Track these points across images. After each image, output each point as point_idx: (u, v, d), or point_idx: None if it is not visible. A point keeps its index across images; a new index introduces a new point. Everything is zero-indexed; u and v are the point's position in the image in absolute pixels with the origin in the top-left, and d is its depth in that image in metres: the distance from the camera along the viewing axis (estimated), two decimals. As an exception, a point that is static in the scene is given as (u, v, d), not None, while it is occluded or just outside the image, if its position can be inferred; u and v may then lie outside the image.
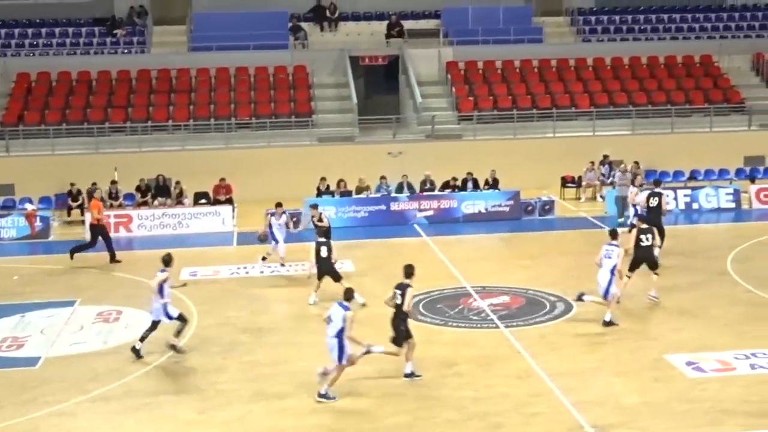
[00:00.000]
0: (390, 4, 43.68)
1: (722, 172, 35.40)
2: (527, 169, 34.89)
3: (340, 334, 15.45)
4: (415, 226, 30.21)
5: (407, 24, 42.42)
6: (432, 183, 32.44)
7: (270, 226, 25.00)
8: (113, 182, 32.33)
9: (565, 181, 35.02)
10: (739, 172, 35.61)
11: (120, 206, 31.72)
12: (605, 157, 35.30)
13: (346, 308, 15.56)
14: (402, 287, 16.50)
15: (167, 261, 18.16)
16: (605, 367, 16.89)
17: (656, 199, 24.51)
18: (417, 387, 16.14)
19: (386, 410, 15.16)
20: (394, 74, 41.48)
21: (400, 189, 32.14)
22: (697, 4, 45.14)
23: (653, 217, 23.50)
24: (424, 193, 31.80)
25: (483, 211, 31.25)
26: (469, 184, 32.47)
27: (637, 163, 33.63)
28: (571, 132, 37.66)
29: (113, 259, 26.28)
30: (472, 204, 31.33)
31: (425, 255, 26.01)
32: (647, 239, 20.52)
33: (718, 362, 16.95)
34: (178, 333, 18.02)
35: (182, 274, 24.32)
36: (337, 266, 22.00)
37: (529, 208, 31.52)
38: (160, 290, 17.71)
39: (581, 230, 29.60)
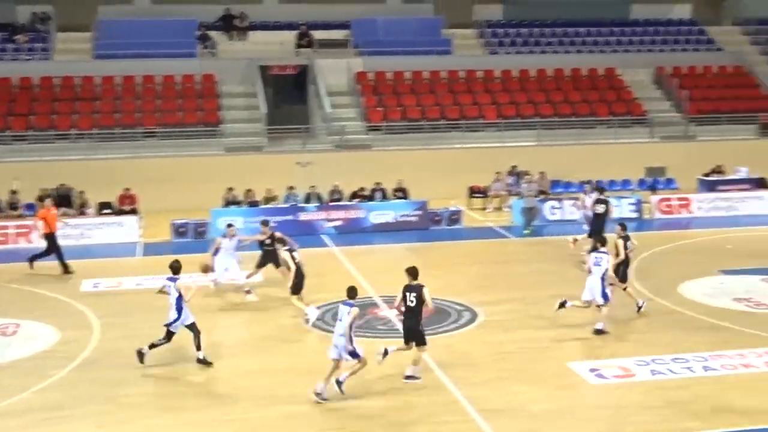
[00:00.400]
0: (299, 14, 43.62)
1: (625, 183, 36.16)
2: (435, 179, 35.12)
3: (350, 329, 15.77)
4: (323, 236, 30.14)
5: (317, 34, 42.39)
6: (340, 193, 32.43)
7: (217, 251, 22.56)
8: (13, 192, 31.53)
9: (472, 192, 35.35)
10: (641, 183, 36.43)
11: (20, 216, 30.92)
12: (513, 167, 35.74)
13: (351, 305, 15.91)
14: (416, 289, 16.63)
15: (176, 268, 17.76)
16: (512, 376, 17.02)
17: (603, 206, 25.28)
18: (300, 396, 16.03)
19: (292, 424, 15.03)
20: (304, 84, 41.39)
21: (308, 199, 32.04)
22: (601, 18, 46.07)
23: (600, 224, 24.36)
24: (333, 203, 31.76)
25: (391, 221, 31.35)
26: (378, 194, 32.53)
27: (542, 173, 34.20)
28: (479, 143, 38.06)
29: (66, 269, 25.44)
30: (381, 214, 31.41)
31: (333, 265, 25.96)
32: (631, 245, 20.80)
33: (620, 369, 17.23)
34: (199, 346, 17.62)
35: (84, 286, 23.81)
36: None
37: (437, 218, 31.72)
38: (179, 298, 17.33)
39: (488, 240, 29.90)
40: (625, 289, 20.80)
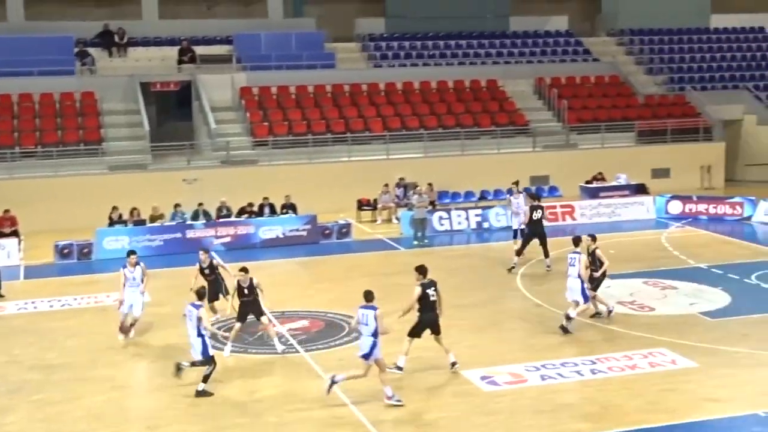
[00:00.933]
0: (181, 30, 43.13)
1: (510, 192, 36.64)
2: (324, 193, 35.11)
3: (375, 334, 15.94)
4: (212, 253, 29.69)
5: (199, 49, 41.94)
6: (228, 209, 32.09)
7: (125, 283, 20.39)
8: None
9: (361, 204, 35.46)
10: (525, 191, 37.04)
11: None
12: (401, 179, 36.00)
13: (375, 308, 16.10)
14: (432, 285, 17.53)
15: (201, 294, 17.30)
16: (404, 386, 17.09)
17: (539, 211, 26.06)
18: (217, 415, 15.81)
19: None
20: (187, 100, 40.89)
21: (195, 216, 31.60)
22: (482, 31, 46.87)
23: (537, 228, 25.34)
24: (221, 220, 31.41)
25: (281, 236, 31.19)
26: (266, 210, 32.32)
27: (430, 185, 34.54)
28: (366, 155, 38.21)
29: None
30: (270, 229, 31.22)
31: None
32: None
33: (511, 375, 17.50)
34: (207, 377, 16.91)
35: (-36, 312, 22.97)
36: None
37: (327, 231, 31.70)
38: (199, 326, 16.70)
39: (378, 252, 30.01)
40: (594, 297, 21.04)
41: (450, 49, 45.53)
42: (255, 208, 32.24)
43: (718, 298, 22.95)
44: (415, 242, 30.79)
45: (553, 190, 37.43)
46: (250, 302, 19.18)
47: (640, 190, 36.73)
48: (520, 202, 28.13)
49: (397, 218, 33.96)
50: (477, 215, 33.45)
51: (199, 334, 16.79)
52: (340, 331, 20.61)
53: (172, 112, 41.85)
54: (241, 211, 32.15)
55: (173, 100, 41.90)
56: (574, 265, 20.18)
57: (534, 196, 27.74)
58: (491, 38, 46.70)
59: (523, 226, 27.41)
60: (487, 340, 19.91)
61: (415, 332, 17.77)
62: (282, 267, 28.32)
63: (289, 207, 32.39)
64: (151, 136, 37.03)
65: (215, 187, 33.66)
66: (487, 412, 15.74)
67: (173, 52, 41.81)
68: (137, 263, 20.43)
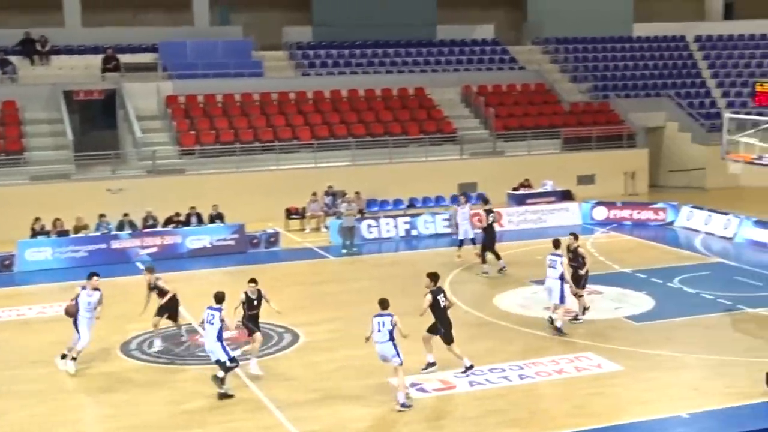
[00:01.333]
0: (105, 38, 42.47)
1: (438, 199, 36.91)
2: (251, 202, 34.83)
3: (392, 336, 16.47)
4: (138, 263, 29.34)
5: (124, 58, 41.37)
6: (155, 219, 31.69)
7: (77, 307, 18.91)
8: None
9: (289, 213, 35.28)
10: (453, 199, 37.20)
11: None
12: (329, 187, 35.92)
13: (390, 315, 16.66)
14: (441, 291, 18.16)
15: (220, 298, 17.33)
16: (333, 395, 17.04)
17: (492, 215, 26.66)
18: (144, 427, 15.57)
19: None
20: (112, 109, 40.28)
21: (121, 227, 31.13)
22: (409, 39, 47.04)
23: (490, 232, 25.86)
24: (147, 230, 31.00)
25: (208, 245, 30.89)
26: (193, 219, 31.99)
27: (358, 193, 34.51)
28: (294, 164, 38.04)
29: None
30: (197, 239, 30.90)
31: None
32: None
33: (440, 382, 17.55)
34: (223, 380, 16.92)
35: None
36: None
37: (255, 240, 31.48)
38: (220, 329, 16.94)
39: (307, 261, 29.89)
40: (580, 296, 21.44)
41: (378, 57, 45.62)
42: (182, 218, 31.89)
43: (642, 302, 23.31)
44: (344, 250, 30.76)
45: (481, 197, 37.63)
46: (256, 315, 18.59)
47: (566, 196, 37.17)
48: (467, 212, 28.14)
49: (326, 227, 33.86)
50: (406, 223, 33.52)
51: (219, 339, 16.94)
52: (269, 340, 20.45)
53: (96, 121, 41.11)
54: (168, 221, 31.77)
55: (98, 109, 41.16)
56: (554, 267, 20.55)
57: (486, 200, 28.11)
58: (418, 46, 46.90)
59: (472, 236, 27.85)
60: (417, 347, 19.89)
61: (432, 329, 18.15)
62: (209, 277, 28.01)
63: (217, 216, 32.10)
64: (74, 146, 36.38)
65: (141, 197, 33.20)
66: (414, 420, 15.74)
67: (97, 60, 41.16)
68: (97, 288, 19.01)
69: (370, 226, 32.95)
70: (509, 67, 46.46)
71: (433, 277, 18.09)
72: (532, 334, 20.64)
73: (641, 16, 50.18)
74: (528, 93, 44.71)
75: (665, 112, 45.01)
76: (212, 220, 32.03)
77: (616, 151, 41.82)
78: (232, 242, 31.13)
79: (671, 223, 33.78)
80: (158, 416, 16.17)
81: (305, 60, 44.67)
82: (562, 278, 20.41)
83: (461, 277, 26.50)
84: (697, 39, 50.29)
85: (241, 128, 39.20)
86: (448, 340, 17.94)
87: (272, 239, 31.72)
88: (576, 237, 22.02)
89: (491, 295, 24.05)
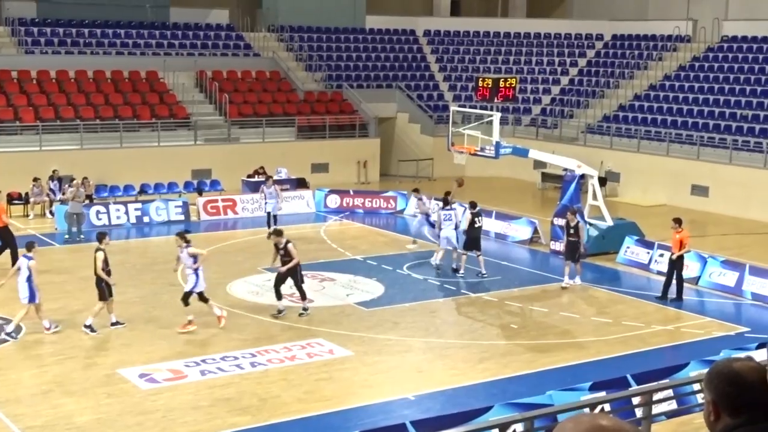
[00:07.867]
0: None
1: (171, 186, 36.19)
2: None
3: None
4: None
5: None
6: None
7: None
8: None
9: (11, 199, 33.39)
10: (187, 185, 36.66)
11: None
12: (54, 171, 34.30)
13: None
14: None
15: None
16: (56, 388, 16.30)
17: (480, 219, 25.47)
18: None
19: None
20: None
21: None
22: (141, 20, 45.72)
23: (476, 235, 24.92)
24: None
25: None
26: None
27: (86, 178, 33.17)
28: (16, 147, 36.06)
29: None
30: None
31: None
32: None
33: (170, 372, 17.19)
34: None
35: None
36: None
37: (-28, 227, 29.54)
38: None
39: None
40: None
41: (107, 38, 44.00)
42: None
43: (372, 288, 23.88)
44: (67, 236, 29.48)
45: (215, 183, 37.27)
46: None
47: (301, 184, 37.49)
48: (456, 213, 26.19)
49: (52, 213, 32.35)
50: (137, 209, 32.59)
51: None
52: (-15, 334, 19.27)
53: None
54: None
55: None
56: (450, 220, 24.70)
57: (474, 205, 25.89)
58: (151, 28, 45.66)
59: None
60: (146, 336, 19.42)
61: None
62: None
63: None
64: None
65: None
66: (142, 411, 15.34)
67: None
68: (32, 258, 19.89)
69: (98, 212, 31.79)
70: (244, 53, 46.23)
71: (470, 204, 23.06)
72: (265, 321, 20.64)
73: (373, 9, 51.31)
74: (263, 80, 44.68)
75: (396, 103, 46.35)
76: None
77: (349, 140, 42.61)
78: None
79: (401, 211, 34.82)
80: None
81: (28, 37, 42.39)
82: (457, 228, 24.49)
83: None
84: (426, 33, 52.08)
85: (-44, 108, 36.71)
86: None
87: (-9, 226, 29.86)
88: (574, 213, 24.07)
89: (224, 283, 23.84)
